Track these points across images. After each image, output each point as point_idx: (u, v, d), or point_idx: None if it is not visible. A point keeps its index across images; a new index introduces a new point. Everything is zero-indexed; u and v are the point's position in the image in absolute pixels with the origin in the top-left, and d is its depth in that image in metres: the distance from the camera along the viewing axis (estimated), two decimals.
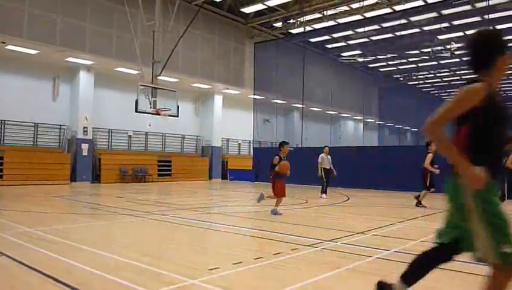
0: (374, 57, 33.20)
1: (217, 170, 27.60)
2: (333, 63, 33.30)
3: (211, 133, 27.42)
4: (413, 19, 24.04)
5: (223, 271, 4.48)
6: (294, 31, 26.62)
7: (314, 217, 9.71)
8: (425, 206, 11.42)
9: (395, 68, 36.87)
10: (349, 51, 31.69)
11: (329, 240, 6.35)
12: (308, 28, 25.62)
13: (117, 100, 22.64)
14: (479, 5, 21.36)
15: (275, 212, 9.36)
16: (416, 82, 40.61)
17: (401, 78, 39.41)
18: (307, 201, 13.15)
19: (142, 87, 16.98)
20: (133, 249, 5.72)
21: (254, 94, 26.91)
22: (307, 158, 22.35)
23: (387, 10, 22.01)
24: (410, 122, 43.95)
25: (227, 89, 26.43)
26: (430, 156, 11.30)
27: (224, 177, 27.74)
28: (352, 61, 33.70)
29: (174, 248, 5.96)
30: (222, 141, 28.54)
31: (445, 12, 22.98)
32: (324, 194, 14.28)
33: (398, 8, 21.62)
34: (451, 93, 45.11)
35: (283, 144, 9.85)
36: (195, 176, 25.75)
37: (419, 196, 11.76)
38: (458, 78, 38.39)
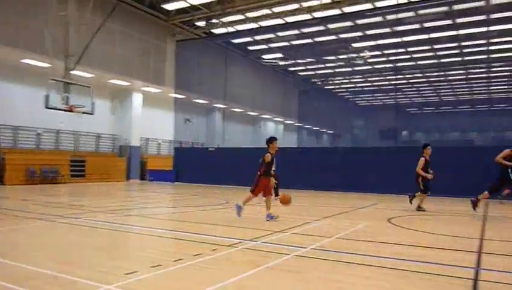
0: (294, 61, 34.34)
1: (135, 171, 26.69)
2: (255, 65, 33.87)
3: (129, 132, 26.44)
4: (330, 26, 25.25)
5: (140, 275, 4.32)
6: (216, 31, 26.62)
7: (235, 217, 9.75)
8: (425, 209, 11.08)
9: (314, 72, 38.46)
10: (270, 54, 32.42)
11: (250, 240, 6.42)
12: (230, 29, 25.78)
13: (24, 95, 20.91)
14: (389, 17, 23.04)
15: (270, 217, 8.64)
16: (333, 86, 42.75)
17: (319, 83, 41.21)
18: (228, 201, 13.19)
19: (54, 81, 15.91)
20: (42, 255, 5.31)
21: (175, 93, 26.46)
22: (228, 159, 22.50)
23: (307, 16, 22.87)
24: (327, 125, 46.09)
25: (147, 86, 25.69)
26: (422, 160, 11.06)
27: (143, 178, 26.91)
28: (273, 64, 34.53)
29: (87, 252, 5.64)
30: (141, 140, 27.67)
31: (359, 22, 24.44)
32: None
33: (317, 14, 22.56)
34: (364, 98, 48.33)
35: (272, 139, 8.88)
36: (111, 176, 24.65)
37: (413, 197, 11.49)
38: (370, 84, 41.08)
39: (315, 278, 4.42)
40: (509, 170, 9.69)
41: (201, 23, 25.61)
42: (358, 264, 5.05)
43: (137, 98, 26.65)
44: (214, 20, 24.78)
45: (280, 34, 27.18)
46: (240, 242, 6.21)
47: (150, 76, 25.11)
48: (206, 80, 27.62)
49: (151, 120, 28.14)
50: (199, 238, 6.58)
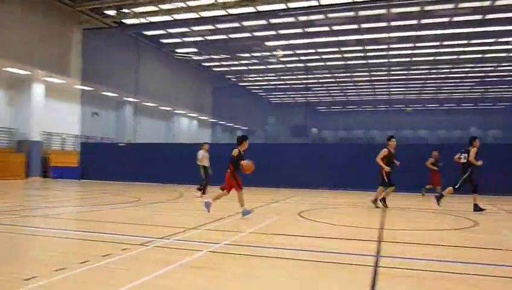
0: (208, 56, 34.18)
1: (36, 167, 24.62)
2: (168, 59, 33.11)
3: (29, 125, 24.30)
4: (245, 23, 25.55)
5: (41, 280, 4.00)
6: (128, 21, 25.52)
7: (146, 215, 9.47)
8: (378, 205, 10.98)
9: (228, 69, 38.67)
10: (184, 48, 31.91)
11: (161, 238, 6.27)
12: (143, 20, 24.87)
13: None
14: (301, 18, 23.94)
15: (207, 207, 8.93)
16: (247, 83, 43.40)
17: (234, 79, 41.55)
18: (139, 199, 12.77)
19: None
20: None
21: (82, 85, 24.91)
22: (140, 155, 21.77)
23: (222, 12, 22.87)
24: (241, 121, 46.70)
25: (50, 77, 23.81)
26: (385, 151, 10.74)
27: (45, 175, 24.96)
28: (187, 58, 34.05)
29: None
30: (43, 134, 25.61)
31: (273, 21, 25.04)
32: (199, 193, 13.57)
33: (232, 11, 22.67)
34: (276, 96, 49.73)
35: (244, 138, 8.82)
36: (7, 173, 22.47)
37: (381, 198, 11.04)
38: (283, 82, 42.38)
39: (228, 274, 4.45)
40: (470, 169, 9.95)
41: (112, 12, 24.34)
42: (270, 257, 5.19)
43: (38, 89, 24.57)
44: (125, 10, 23.69)
45: (195, 28, 26.87)
46: (152, 240, 6.04)
47: (54, 65, 23.30)
48: (116, 72, 26.39)
49: (54, 113, 26.11)
50: (108, 238, 6.28)
